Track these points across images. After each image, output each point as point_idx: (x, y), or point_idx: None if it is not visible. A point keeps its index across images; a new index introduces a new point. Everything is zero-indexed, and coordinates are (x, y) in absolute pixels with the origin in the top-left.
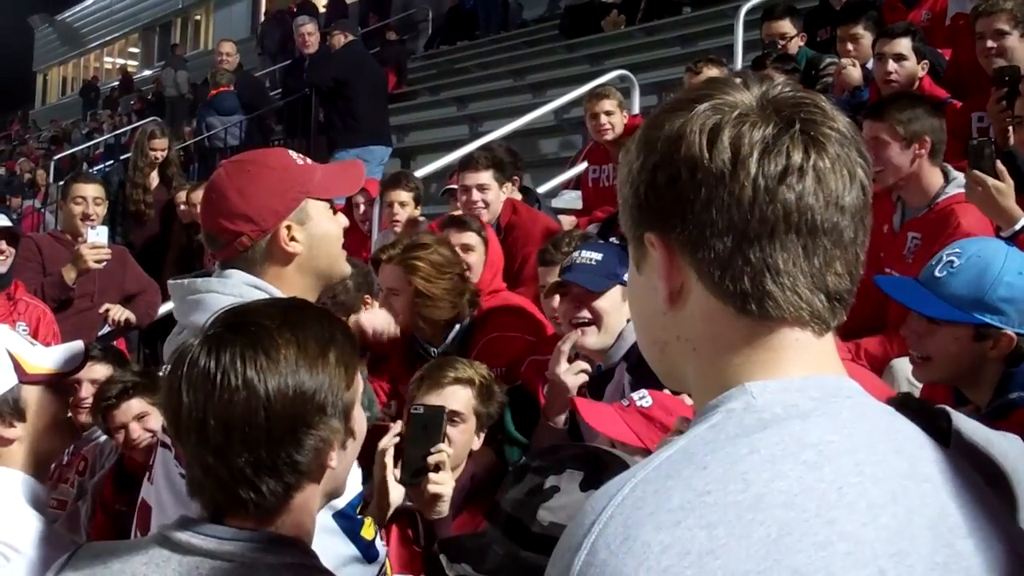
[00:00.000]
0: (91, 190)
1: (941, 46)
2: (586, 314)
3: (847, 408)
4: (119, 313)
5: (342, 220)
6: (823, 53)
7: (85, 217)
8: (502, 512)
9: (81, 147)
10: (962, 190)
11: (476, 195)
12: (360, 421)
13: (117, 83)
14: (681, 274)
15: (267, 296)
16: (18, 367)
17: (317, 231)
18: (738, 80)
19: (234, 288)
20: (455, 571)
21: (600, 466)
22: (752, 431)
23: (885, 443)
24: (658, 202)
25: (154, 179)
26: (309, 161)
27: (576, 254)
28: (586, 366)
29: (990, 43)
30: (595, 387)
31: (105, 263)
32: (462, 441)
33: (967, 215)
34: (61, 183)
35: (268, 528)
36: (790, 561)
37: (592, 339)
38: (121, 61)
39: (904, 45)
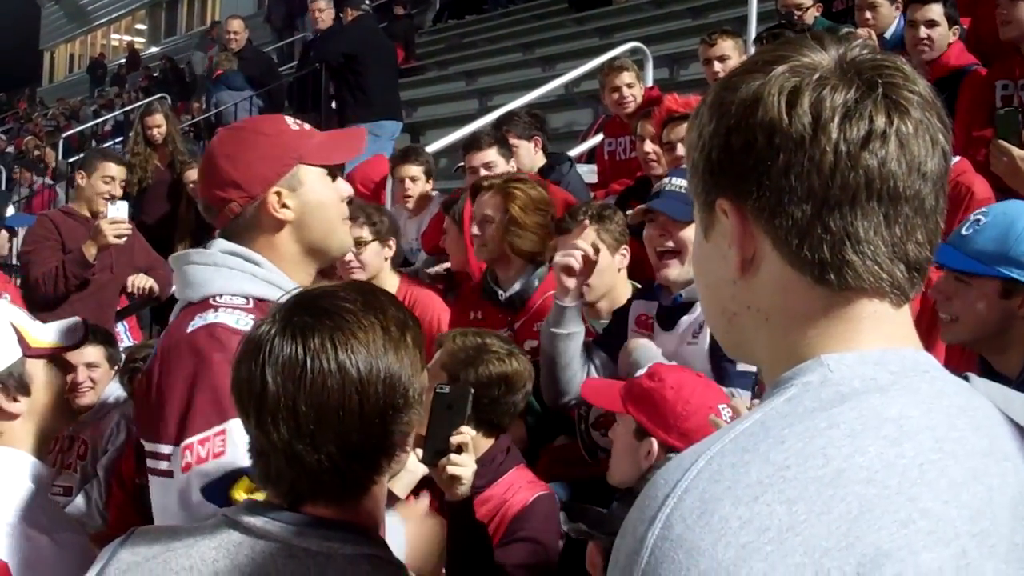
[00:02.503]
0: (117, 170)
1: (963, 14)
2: (671, 244)
3: (926, 383)
4: (143, 281)
5: (344, 188)
6: (839, 23)
7: (112, 197)
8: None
9: (89, 124)
10: (953, 161)
11: (483, 174)
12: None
13: (124, 60)
14: (754, 242)
15: (247, 262)
16: (22, 340)
17: (310, 198)
18: (815, 41)
19: (209, 257)
20: (572, 527)
21: None
22: (830, 405)
23: (964, 420)
24: (732, 167)
25: (153, 157)
26: (307, 127)
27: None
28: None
29: (1002, 11)
30: (669, 318)
31: (126, 238)
32: None
33: (974, 182)
34: (70, 160)
35: (345, 517)
36: (872, 538)
37: (674, 271)
38: (128, 38)
39: (936, 11)
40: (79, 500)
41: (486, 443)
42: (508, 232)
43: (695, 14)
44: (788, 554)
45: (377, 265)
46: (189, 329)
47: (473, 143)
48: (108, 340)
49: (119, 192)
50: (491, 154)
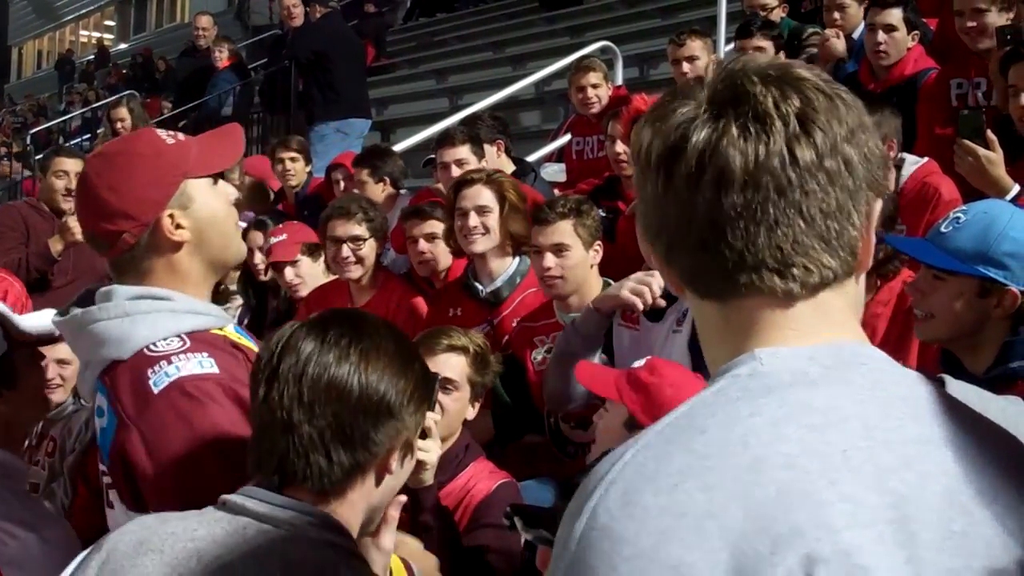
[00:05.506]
0: (72, 164)
1: (931, 15)
2: None
3: (860, 375)
4: None
5: (228, 191)
6: (806, 24)
7: (68, 192)
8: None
9: (57, 121)
10: (919, 163)
11: (455, 171)
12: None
13: (93, 56)
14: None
15: (157, 300)
16: (7, 332)
17: (203, 213)
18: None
19: (116, 309)
20: (533, 534)
21: None
22: (756, 396)
23: (903, 408)
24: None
25: None
26: (182, 137)
27: None
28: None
29: (970, 23)
30: (655, 310)
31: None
32: (455, 409)
33: (942, 183)
34: (37, 157)
35: (322, 509)
36: (788, 518)
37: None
38: (97, 34)
39: (895, 16)
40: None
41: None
42: (507, 220)
43: (665, 14)
44: (706, 539)
45: (371, 262)
46: (155, 389)
47: (446, 139)
48: None
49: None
50: (463, 151)
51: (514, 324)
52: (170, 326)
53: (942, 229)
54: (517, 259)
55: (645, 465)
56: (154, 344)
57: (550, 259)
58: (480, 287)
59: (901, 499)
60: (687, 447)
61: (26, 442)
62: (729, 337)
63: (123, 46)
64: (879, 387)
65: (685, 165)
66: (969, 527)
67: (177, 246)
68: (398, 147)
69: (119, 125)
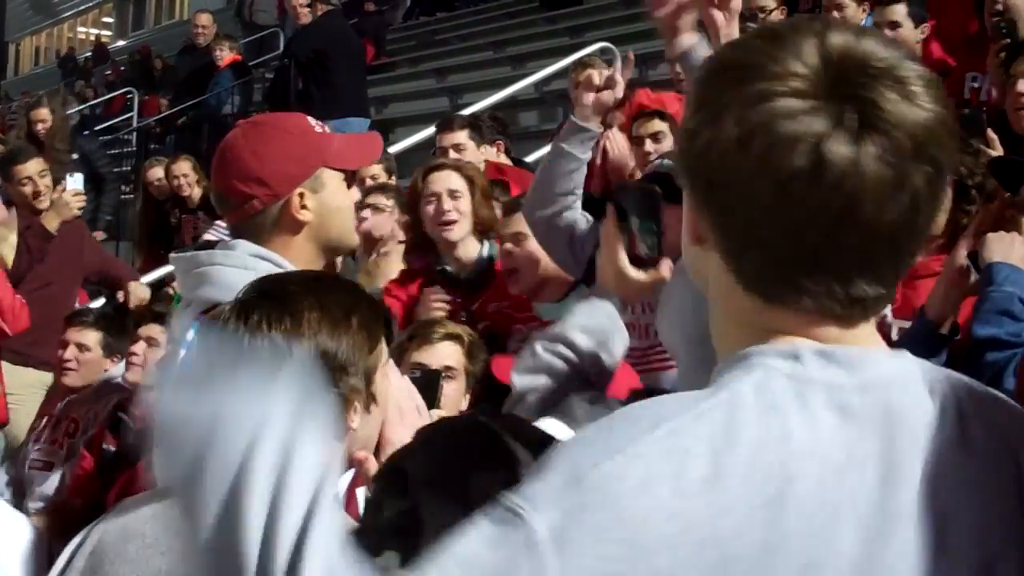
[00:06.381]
0: (32, 166)
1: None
2: None
3: (897, 390)
4: (143, 292)
5: (355, 194)
6: None
7: (36, 195)
8: None
9: None
10: None
11: (452, 155)
12: (384, 389)
13: (90, 53)
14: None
15: (273, 266)
16: None
17: (331, 201)
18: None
19: (238, 259)
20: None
21: None
22: (789, 411)
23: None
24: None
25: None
26: (327, 129)
27: (658, 162)
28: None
29: (998, 5)
30: None
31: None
32: (454, 398)
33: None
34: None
35: None
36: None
37: None
38: (95, 31)
39: (898, 12)
40: (54, 476)
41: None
42: (479, 204)
43: None
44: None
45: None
46: None
47: (445, 124)
48: (111, 328)
49: (47, 184)
50: (461, 136)
51: (491, 309)
52: None
53: None
54: (486, 243)
55: (672, 450)
56: None
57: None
58: (455, 272)
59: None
60: (711, 446)
61: (43, 420)
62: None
63: (121, 43)
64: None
65: (816, 178)
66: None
67: (299, 226)
68: (398, 146)
69: (39, 127)
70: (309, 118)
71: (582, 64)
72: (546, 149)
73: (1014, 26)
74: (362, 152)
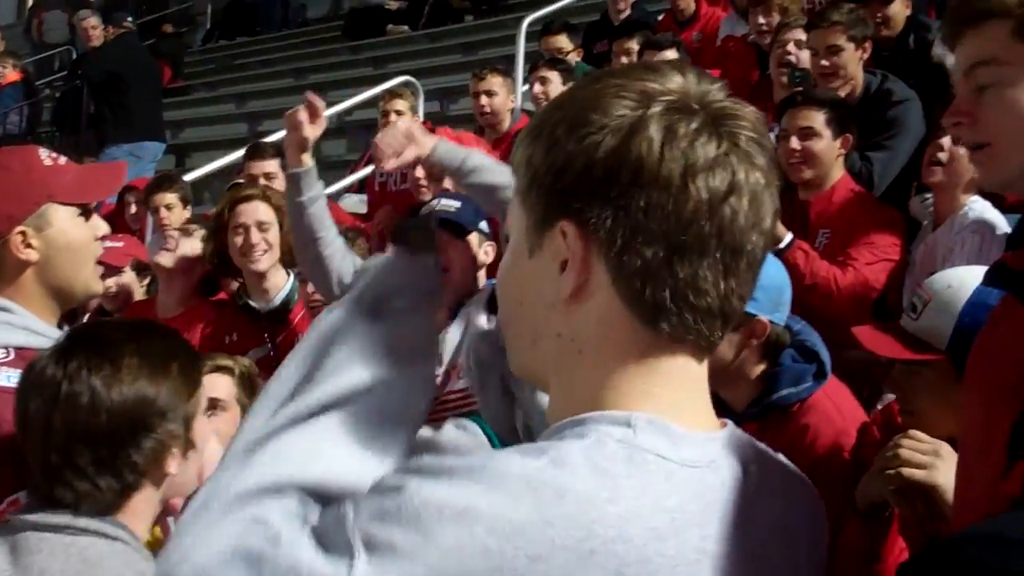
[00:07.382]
0: None
1: (711, 66)
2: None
3: (711, 472)
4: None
5: (99, 227)
6: (598, 68)
7: None
8: None
9: None
10: None
11: (262, 183)
12: (202, 434)
13: None
14: (589, 271)
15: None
16: None
17: (59, 239)
18: (674, 72)
19: None
20: None
21: None
22: (618, 474)
23: (740, 517)
24: (588, 194)
25: None
26: (63, 161)
27: (435, 202)
28: None
29: (824, 61)
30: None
31: None
32: (225, 431)
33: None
34: None
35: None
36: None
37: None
38: None
39: (835, 37)
40: None
41: None
42: (286, 234)
43: (466, 50)
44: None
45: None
46: None
47: (255, 152)
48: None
49: None
50: (272, 165)
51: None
52: (2, 336)
53: None
54: (292, 274)
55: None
56: None
57: None
58: (258, 306)
59: None
60: (539, 504)
61: None
62: (635, 373)
63: None
64: (722, 489)
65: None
66: None
67: (23, 265)
68: (195, 173)
69: None
70: (41, 150)
71: (390, 93)
72: (347, 180)
73: (808, 75)
74: (100, 184)
